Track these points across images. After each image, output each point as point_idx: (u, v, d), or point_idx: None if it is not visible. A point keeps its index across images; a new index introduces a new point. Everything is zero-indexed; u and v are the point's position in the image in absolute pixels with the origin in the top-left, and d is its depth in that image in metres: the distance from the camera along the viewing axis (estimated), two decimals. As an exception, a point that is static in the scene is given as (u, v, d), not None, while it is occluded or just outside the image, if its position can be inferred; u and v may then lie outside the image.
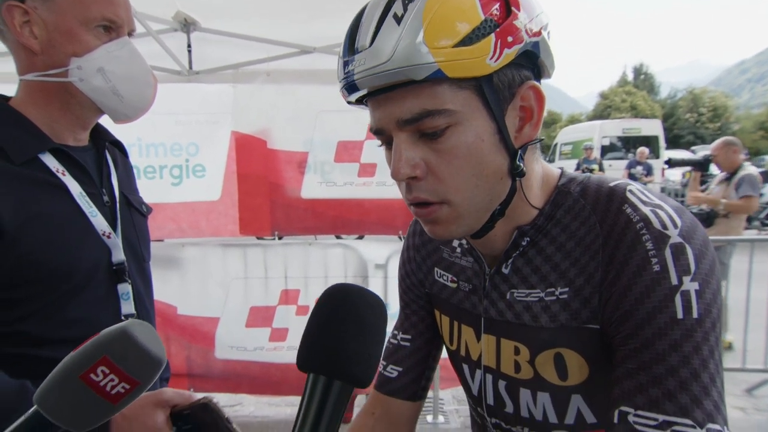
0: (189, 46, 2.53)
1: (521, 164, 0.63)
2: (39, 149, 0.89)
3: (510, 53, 0.58)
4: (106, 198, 0.98)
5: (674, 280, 0.55)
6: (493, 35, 0.56)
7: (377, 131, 0.63)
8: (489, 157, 0.60)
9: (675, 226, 0.58)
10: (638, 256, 0.57)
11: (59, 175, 0.90)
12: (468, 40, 0.55)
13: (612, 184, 0.65)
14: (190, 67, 2.64)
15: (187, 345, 2.89)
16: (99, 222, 0.93)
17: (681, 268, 0.56)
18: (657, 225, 0.58)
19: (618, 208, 0.62)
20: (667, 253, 0.56)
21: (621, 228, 0.60)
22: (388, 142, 0.63)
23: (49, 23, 0.88)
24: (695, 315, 0.54)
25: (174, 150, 2.79)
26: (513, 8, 0.58)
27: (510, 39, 0.57)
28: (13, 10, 0.86)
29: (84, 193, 0.92)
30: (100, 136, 1.04)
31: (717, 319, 0.56)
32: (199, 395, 0.77)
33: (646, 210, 0.60)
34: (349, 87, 0.59)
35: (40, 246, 0.84)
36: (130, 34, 0.97)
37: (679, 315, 0.54)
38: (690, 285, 0.55)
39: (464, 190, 0.61)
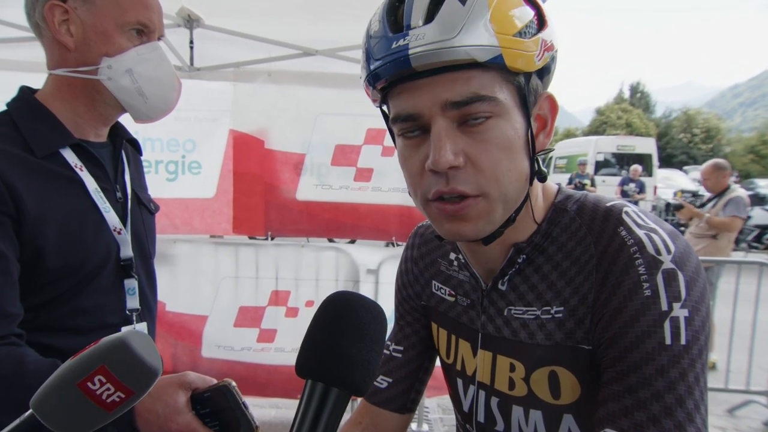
0: (191, 42, 2.52)
1: (545, 170, 0.63)
2: (60, 144, 0.92)
3: (546, 57, 0.60)
4: (119, 194, 1.01)
5: (664, 306, 0.56)
6: (541, 34, 0.59)
7: (409, 117, 0.60)
8: (521, 155, 0.61)
9: (668, 251, 0.58)
10: (630, 280, 0.58)
11: (77, 170, 0.93)
12: (524, 34, 0.57)
13: (608, 205, 0.65)
14: (192, 64, 2.63)
15: (173, 342, 2.86)
16: (111, 218, 0.96)
17: (672, 294, 0.56)
18: (650, 249, 0.58)
19: (613, 229, 0.62)
20: (659, 278, 0.57)
21: (615, 250, 0.60)
22: (412, 129, 0.61)
23: (86, 23, 0.91)
24: (683, 342, 0.55)
25: (171, 145, 2.78)
26: (546, 20, 0.61)
27: (549, 44, 0.60)
28: (55, 8, 0.90)
29: (99, 189, 0.95)
30: (118, 133, 1.07)
31: (704, 346, 0.56)
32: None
33: (640, 233, 0.60)
34: (396, 63, 0.56)
35: (56, 238, 0.86)
36: (159, 39, 1.00)
37: (668, 341, 0.55)
38: (680, 312, 0.56)
39: (503, 183, 0.59)
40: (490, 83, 0.57)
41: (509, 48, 0.56)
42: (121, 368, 0.43)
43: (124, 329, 0.96)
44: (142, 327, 1.01)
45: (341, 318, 0.44)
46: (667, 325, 0.55)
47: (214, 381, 0.79)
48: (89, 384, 0.43)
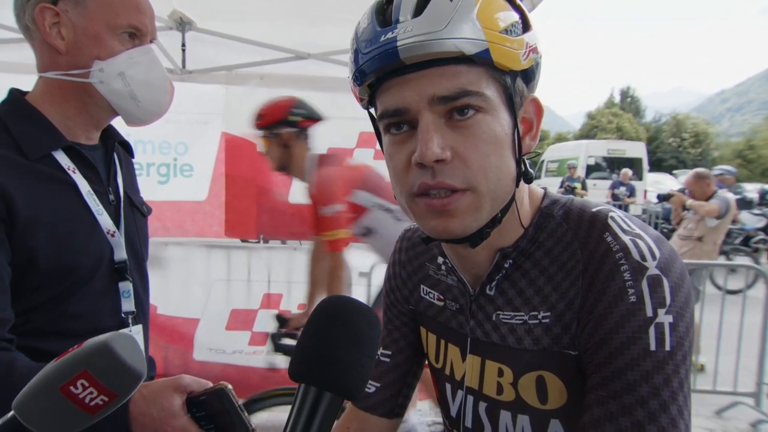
0: (183, 45, 2.51)
1: (532, 171, 0.64)
2: (53, 146, 0.92)
3: (531, 59, 0.61)
4: (111, 197, 1.00)
5: (649, 312, 0.56)
6: (526, 36, 0.60)
7: (396, 111, 0.60)
8: (508, 153, 0.61)
9: (653, 257, 0.59)
10: (616, 286, 0.58)
11: (70, 172, 0.92)
12: (509, 32, 0.59)
13: (594, 210, 0.66)
14: (184, 66, 2.63)
15: (164, 345, 2.85)
16: (104, 220, 0.95)
17: (657, 300, 0.56)
18: (636, 255, 0.59)
19: (599, 235, 0.62)
20: (644, 284, 0.57)
21: (601, 256, 0.61)
22: (399, 125, 0.61)
23: (77, 26, 0.91)
24: (667, 348, 0.55)
25: (162, 148, 2.78)
26: (530, 24, 0.62)
27: (533, 46, 0.61)
28: (46, 11, 0.89)
29: (92, 192, 0.95)
30: (109, 135, 1.07)
31: (688, 352, 0.57)
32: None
33: (626, 239, 0.60)
34: (385, 56, 0.56)
35: (48, 241, 0.86)
36: (151, 42, 1.00)
37: (652, 347, 0.55)
38: (664, 318, 0.56)
39: (490, 178, 0.59)
40: (477, 79, 0.58)
41: (496, 43, 0.57)
42: (104, 372, 0.43)
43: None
44: (137, 329, 1.00)
45: (335, 323, 0.44)
46: (651, 331, 0.56)
47: (210, 384, 0.78)
48: (71, 388, 0.42)
